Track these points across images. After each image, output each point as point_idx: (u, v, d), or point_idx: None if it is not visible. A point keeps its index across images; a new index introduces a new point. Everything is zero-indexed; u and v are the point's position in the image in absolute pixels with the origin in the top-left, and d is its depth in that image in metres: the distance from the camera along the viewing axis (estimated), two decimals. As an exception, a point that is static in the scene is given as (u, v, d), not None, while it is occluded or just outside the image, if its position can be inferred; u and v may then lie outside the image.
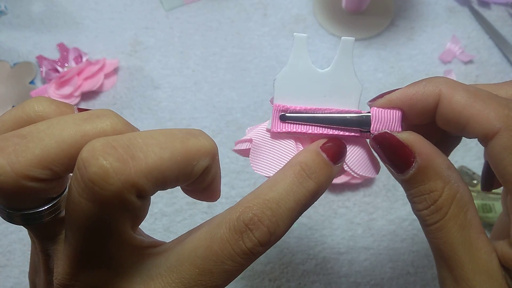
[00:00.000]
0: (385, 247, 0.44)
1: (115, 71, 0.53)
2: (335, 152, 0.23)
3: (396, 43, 0.55)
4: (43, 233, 0.20)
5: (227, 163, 0.48)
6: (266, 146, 0.24)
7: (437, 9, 0.58)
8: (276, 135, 0.24)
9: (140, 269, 0.20)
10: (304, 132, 0.24)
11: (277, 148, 0.24)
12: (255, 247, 0.19)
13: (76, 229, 0.18)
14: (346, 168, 0.24)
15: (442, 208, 0.22)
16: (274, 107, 0.24)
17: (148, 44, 0.55)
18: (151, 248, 0.20)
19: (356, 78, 0.24)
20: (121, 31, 0.56)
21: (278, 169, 0.23)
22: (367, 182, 0.47)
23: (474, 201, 0.42)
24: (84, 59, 0.53)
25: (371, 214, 0.46)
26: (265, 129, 0.24)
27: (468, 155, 0.48)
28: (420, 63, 0.54)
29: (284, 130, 0.24)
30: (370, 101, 0.25)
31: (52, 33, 0.56)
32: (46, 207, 0.19)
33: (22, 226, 0.45)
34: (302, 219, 0.45)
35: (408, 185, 0.23)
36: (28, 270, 0.46)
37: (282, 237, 0.21)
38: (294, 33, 0.24)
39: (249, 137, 0.25)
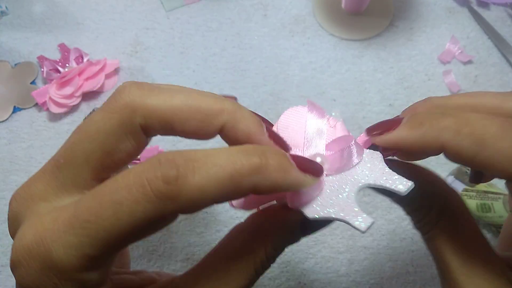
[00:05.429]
0: (385, 246, 0.45)
1: (116, 71, 0.54)
2: (303, 160, 0.19)
3: (396, 43, 0.56)
4: None
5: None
6: None
7: (436, 9, 0.58)
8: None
9: None
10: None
11: None
12: (154, 180, 0.16)
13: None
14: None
15: (433, 219, 0.22)
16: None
17: (149, 44, 0.55)
18: None
19: None
20: (121, 32, 0.56)
21: None
22: (366, 182, 0.47)
23: (473, 201, 0.43)
24: (85, 60, 0.53)
25: (370, 214, 0.46)
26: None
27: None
28: (419, 63, 0.54)
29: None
30: (371, 134, 0.22)
31: (53, 34, 0.56)
32: None
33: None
34: (302, 218, 0.45)
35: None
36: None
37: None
38: None
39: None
